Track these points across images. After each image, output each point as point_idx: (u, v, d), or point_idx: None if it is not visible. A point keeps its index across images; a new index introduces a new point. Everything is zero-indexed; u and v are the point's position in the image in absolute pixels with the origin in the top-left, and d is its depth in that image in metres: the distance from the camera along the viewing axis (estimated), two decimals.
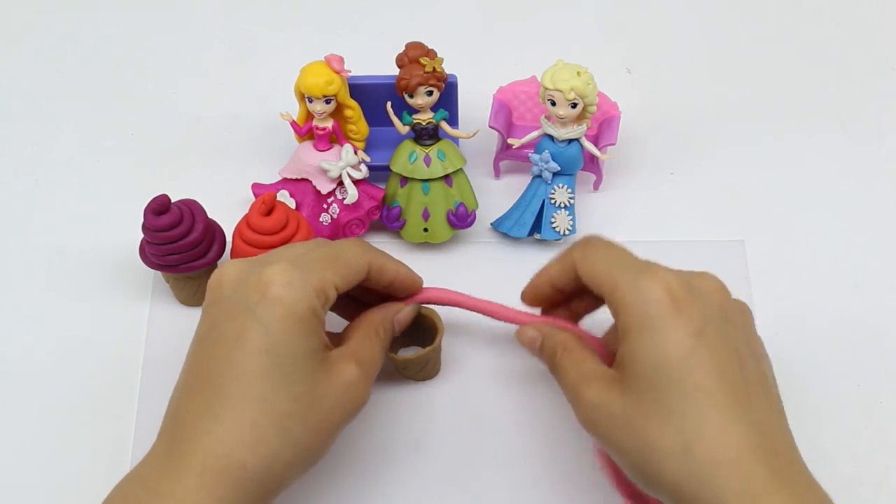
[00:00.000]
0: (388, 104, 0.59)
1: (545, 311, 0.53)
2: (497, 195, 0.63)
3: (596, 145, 0.60)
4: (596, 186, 0.64)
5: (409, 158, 0.59)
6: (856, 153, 0.66)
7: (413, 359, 0.53)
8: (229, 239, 0.57)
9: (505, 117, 0.62)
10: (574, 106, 0.56)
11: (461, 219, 0.60)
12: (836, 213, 0.63)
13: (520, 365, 0.56)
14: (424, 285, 0.53)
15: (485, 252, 0.62)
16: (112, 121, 0.68)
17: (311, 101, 0.57)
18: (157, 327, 0.59)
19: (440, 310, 0.54)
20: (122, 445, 0.54)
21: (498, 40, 0.72)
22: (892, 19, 0.73)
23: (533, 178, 0.60)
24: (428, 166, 0.59)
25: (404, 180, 0.60)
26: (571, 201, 0.60)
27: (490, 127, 0.61)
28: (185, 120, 0.68)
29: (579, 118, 0.57)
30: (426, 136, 0.59)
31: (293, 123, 0.60)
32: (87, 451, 0.55)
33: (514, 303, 0.53)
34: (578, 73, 0.55)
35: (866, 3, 0.73)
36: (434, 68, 0.56)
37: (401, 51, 0.57)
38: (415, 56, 0.56)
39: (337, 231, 0.61)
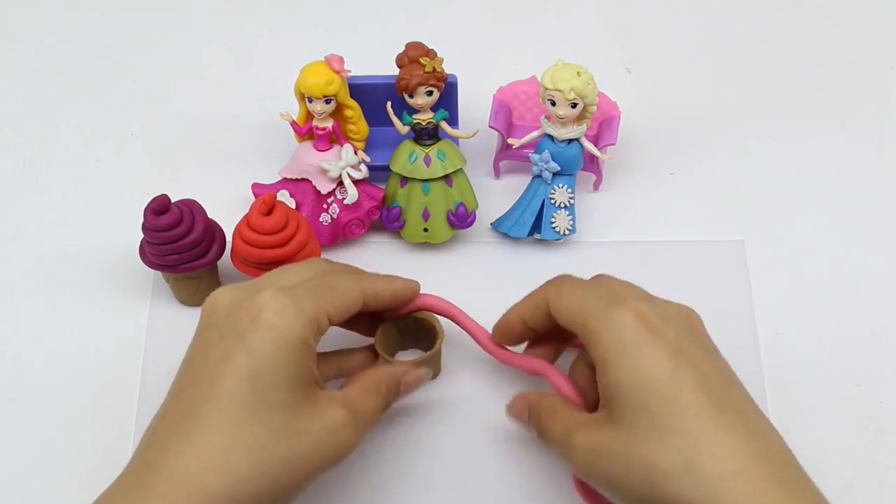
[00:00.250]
0: (388, 104, 0.59)
1: (530, 344, 0.53)
2: (497, 195, 0.63)
3: (596, 145, 0.60)
4: (596, 186, 0.64)
5: (409, 158, 0.59)
6: (856, 153, 0.66)
7: (414, 363, 0.53)
8: (229, 239, 0.57)
9: (505, 117, 0.62)
10: (574, 106, 0.56)
11: (461, 219, 0.60)
12: (837, 214, 0.63)
13: None
14: (424, 287, 0.53)
15: (485, 252, 0.62)
16: (112, 121, 0.68)
17: (311, 101, 0.57)
18: (157, 327, 0.59)
19: None
20: (122, 445, 0.54)
21: (498, 40, 0.72)
22: (892, 19, 0.73)
23: (533, 178, 0.60)
24: (428, 166, 0.59)
25: (404, 180, 0.60)
26: (571, 201, 0.60)
27: (490, 127, 0.61)
28: (185, 120, 0.68)
29: (579, 118, 0.57)
30: (426, 136, 0.59)
31: (293, 123, 0.60)
32: (87, 451, 0.55)
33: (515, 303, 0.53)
34: (578, 73, 0.55)
35: (866, 3, 0.73)
36: (434, 68, 0.56)
37: (401, 51, 0.57)
38: (415, 56, 0.56)
39: (337, 231, 0.61)
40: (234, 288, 0.46)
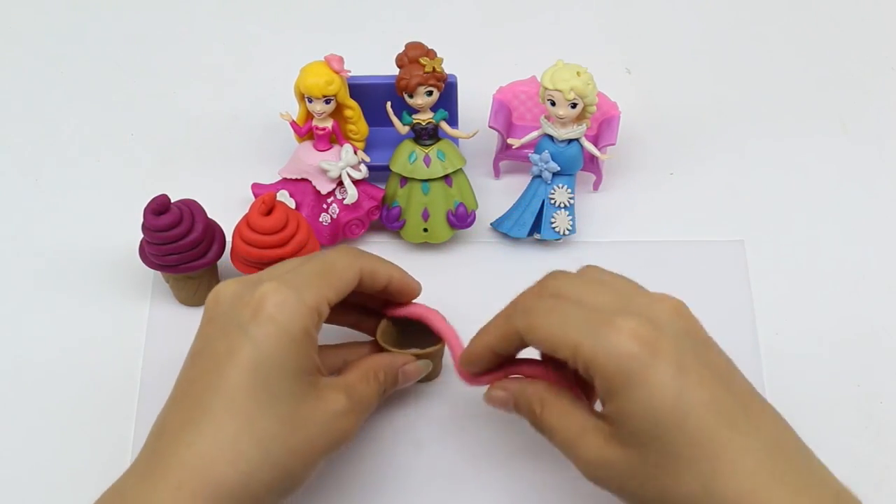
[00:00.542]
0: (388, 104, 0.59)
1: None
2: (497, 195, 0.63)
3: (596, 145, 0.60)
4: (596, 186, 0.64)
5: (408, 158, 0.59)
6: (856, 154, 0.66)
7: (414, 355, 0.53)
8: (229, 239, 0.57)
9: (505, 117, 0.62)
10: (574, 106, 0.56)
11: (461, 219, 0.60)
12: (837, 214, 0.63)
13: None
14: (424, 287, 0.52)
15: (485, 252, 0.62)
16: (112, 121, 0.68)
17: (310, 101, 0.57)
18: (156, 327, 0.59)
19: (441, 310, 0.53)
20: (122, 445, 0.54)
21: (498, 40, 0.72)
22: (892, 19, 0.73)
23: (533, 178, 0.60)
24: (428, 166, 0.59)
25: (404, 180, 0.60)
26: (571, 201, 0.60)
27: (490, 127, 0.61)
28: (185, 120, 0.68)
29: (579, 118, 0.57)
30: (426, 136, 0.59)
31: (293, 123, 0.60)
32: (87, 451, 0.55)
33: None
34: (578, 73, 0.55)
35: (866, 3, 0.73)
36: (434, 68, 0.56)
37: (401, 51, 0.57)
38: (414, 56, 0.56)
39: (337, 231, 0.61)
40: (236, 281, 0.47)
